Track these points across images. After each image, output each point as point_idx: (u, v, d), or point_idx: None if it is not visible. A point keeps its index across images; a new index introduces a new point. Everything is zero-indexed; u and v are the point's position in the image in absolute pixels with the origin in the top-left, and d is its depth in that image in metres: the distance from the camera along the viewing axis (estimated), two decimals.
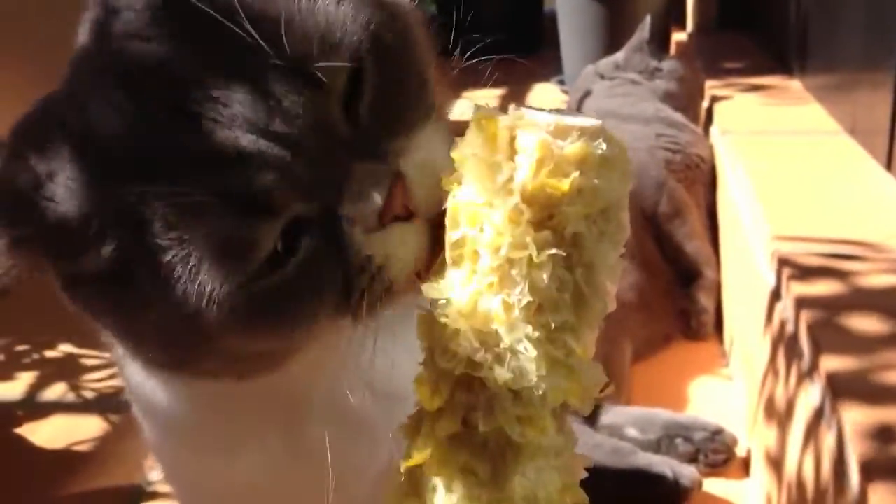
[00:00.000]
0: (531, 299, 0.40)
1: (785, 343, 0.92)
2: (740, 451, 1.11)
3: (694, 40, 2.61)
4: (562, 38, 2.75)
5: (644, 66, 1.70)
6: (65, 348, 1.33)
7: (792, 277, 0.93)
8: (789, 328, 0.90)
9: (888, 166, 1.20)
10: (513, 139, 0.41)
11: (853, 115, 1.41)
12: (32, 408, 1.19)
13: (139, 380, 0.60)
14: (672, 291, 1.41)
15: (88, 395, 1.21)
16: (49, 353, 1.31)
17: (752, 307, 1.12)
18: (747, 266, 1.18)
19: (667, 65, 1.71)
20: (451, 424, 0.41)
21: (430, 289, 0.42)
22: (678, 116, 1.60)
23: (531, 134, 0.41)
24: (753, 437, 1.10)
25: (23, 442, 1.12)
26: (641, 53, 1.73)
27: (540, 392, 0.41)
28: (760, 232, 1.09)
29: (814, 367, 0.80)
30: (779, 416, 0.92)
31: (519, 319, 0.40)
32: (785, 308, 0.93)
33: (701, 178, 1.53)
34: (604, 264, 0.42)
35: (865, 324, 0.83)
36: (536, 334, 0.40)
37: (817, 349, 0.79)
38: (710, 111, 1.69)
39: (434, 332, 0.42)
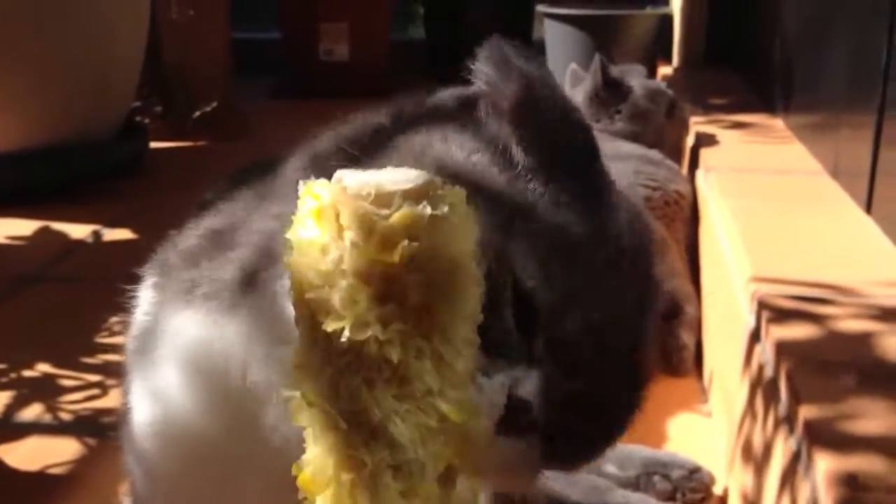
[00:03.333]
0: (390, 374, 0.40)
1: (763, 386, 0.92)
2: (718, 490, 1.12)
3: (680, 74, 2.63)
4: (550, 68, 2.77)
5: (600, 116, 1.70)
6: (43, 368, 1.31)
7: (771, 320, 0.93)
8: (768, 372, 0.91)
9: (868, 209, 1.22)
10: (338, 215, 0.40)
11: (835, 156, 1.43)
12: (7, 428, 1.17)
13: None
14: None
15: (66, 416, 1.20)
16: (27, 373, 1.30)
17: (731, 346, 1.13)
18: (728, 305, 1.19)
19: (625, 108, 1.70)
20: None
21: (295, 376, 0.41)
22: (655, 153, 1.62)
23: (353, 207, 0.40)
24: (731, 478, 1.10)
25: None
26: (596, 102, 1.72)
27: (419, 464, 0.40)
28: (741, 272, 1.10)
29: (791, 413, 0.80)
30: (756, 458, 0.93)
31: (382, 395, 0.40)
32: (764, 351, 0.94)
33: (680, 214, 1.54)
34: (459, 321, 0.41)
35: (844, 370, 0.83)
36: (405, 406, 0.40)
37: (796, 395, 0.80)
38: (694, 148, 1.70)
39: (308, 416, 0.41)
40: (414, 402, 0.40)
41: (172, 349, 0.60)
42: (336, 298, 0.40)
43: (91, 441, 1.14)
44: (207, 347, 0.58)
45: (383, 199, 0.40)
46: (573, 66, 1.90)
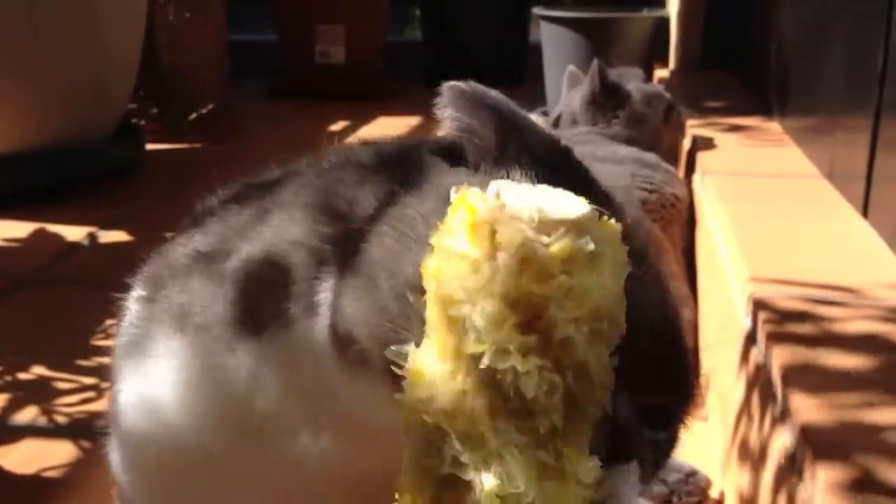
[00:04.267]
0: (517, 405, 0.38)
1: (759, 387, 0.93)
2: (714, 493, 1.12)
3: (677, 77, 2.64)
4: (545, 70, 2.77)
5: (597, 120, 1.70)
6: (38, 370, 1.31)
7: (768, 321, 0.94)
8: (764, 371, 0.91)
9: (864, 213, 1.22)
10: (493, 233, 0.39)
11: (831, 159, 1.43)
12: (2, 431, 1.17)
13: None
14: None
15: (61, 419, 1.20)
16: (21, 376, 1.30)
17: (727, 348, 1.13)
18: (724, 307, 1.19)
19: (623, 113, 1.70)
20: None
21: (414, 384, 0.40)
22: (652, 156, 1.62)
23: (512, 230, 0.38)
24: (727, 479, 1.10)
25: None
26: (594, 107, 1.71)
27: (529, 499, 0.38)
28: (737, 274, 1.10)
29: (787, 413, 0.80)
30: (752, 459, 0.93)
31: (505, 424, 0.38)
32: (760, 352, 0.94)
33: (677, 217, 1.54)
34: (597, 365, 0.39)
35: (839, 370, 0.83)
36: (525, 439, 0.38)
37: (792, 396, 0.80)
38: (691, 152, 1.70)
39: (417, 430, 0.40)
40: (535, 438, 0.38)
41: (166, 371, 0.58)
42: (479, 319, 0.38)
43: (86, 444, 1.14)
44: (203, 375, 0.57)
45: (546, 225, 0.38)
46: (571, 68, 1.90)
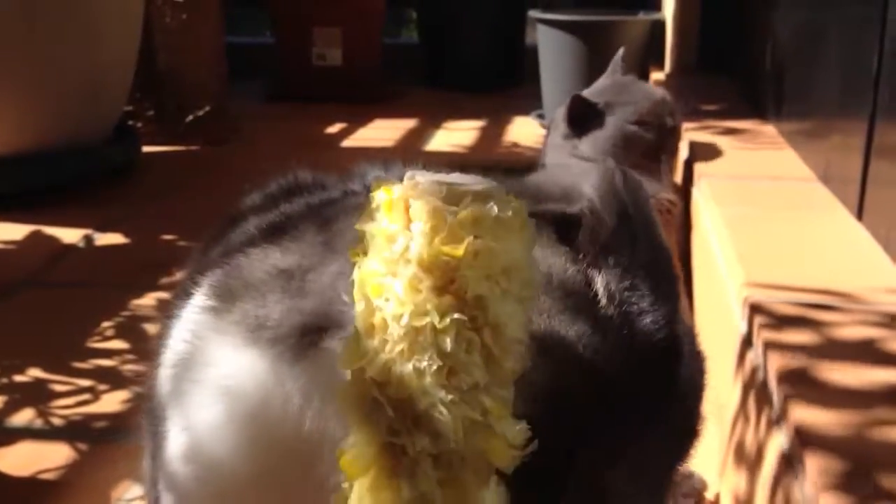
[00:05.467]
0: (440, 363, 0.41)
1: (755, 390, 0.93)
2: (710, 496, 1.12)
3: (672, 81, 2.64)
4: (542, 73, 2.78)
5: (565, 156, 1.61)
6: (34, 373, 1.31)
7: (763, 325, 0.94)
8: (759, 375, 0.91)
9: (859, 216, 1.23)
10: (407, 208, 0.43)
11: (826, 162, 1.44)
12: None
13: None
14: None
15: (57, 421, 1.19)
16: (18, 378, 1.30)
17: (723, 351, 1.13)
18: (719, 310, 1.19)
19: (584, 145, 1.58)
20: (379, 492, 0.42)
21: (346, 359, 0.43)
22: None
23: (423, 202, 0.42)
24: (723, 482, 1.10)
25: None
26: (561, 148, 1.62)
27: (460, 456, 0.42)
28: (733, 278, 1.11)
29: (783, 415, 0.81)
30: (748, 461, 0.93)
31: (431, 384, 0.41)
32: (756, 355, 0.94)
33: (671, 222, 1.55)
34: (511, 322, 0.43)
35: (835, 373, 0.84)
36: (450, 397, 0.41)
37: (787, 399, 0.80)
38: (688, 161, 1.70)
39: (354, 401, 0.43)
40: (459, 395, 0.42)
41: (229, 386, 0.58)
42: (399, 286, 0.42)
43: (83, 446, 1.14)
44: (266, 393, 0.57)
45: (454, 196, 0.43)
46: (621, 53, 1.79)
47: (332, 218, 0.62)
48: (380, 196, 0.44)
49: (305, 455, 0.57)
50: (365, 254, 0.44)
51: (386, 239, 0.43)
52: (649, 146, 1.57)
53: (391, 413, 0.42)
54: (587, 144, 1.59)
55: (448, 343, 0.41)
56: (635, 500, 0.55)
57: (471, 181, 0.44)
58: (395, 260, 0.42)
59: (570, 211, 0.60)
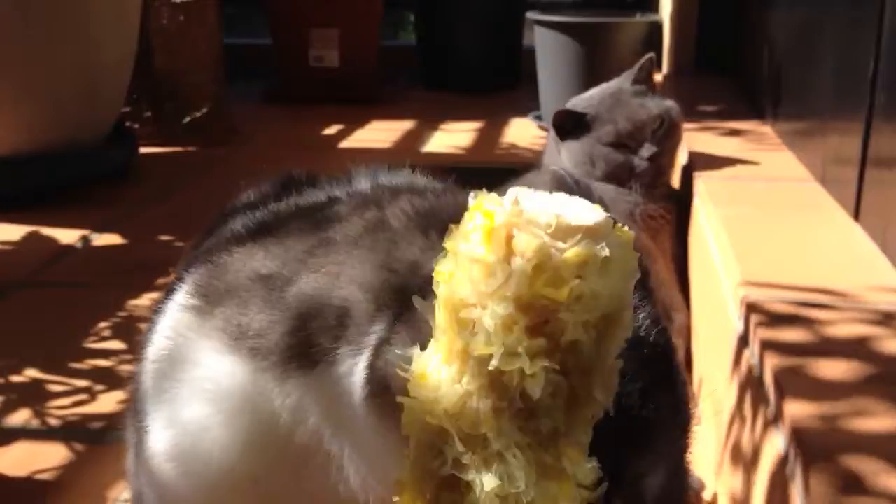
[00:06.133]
0: (522, 406, 0.39)
1: (751, 390, 0.93)
2: (707, 496, 1.12)
3: (670, 82, 2.64)
4: (539, 75, 2.78)
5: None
6: (31, 373, 1.31)
7: (760, 324, 0.94)
8: (755, 375, 0.91)
9: (856, 216, 1.23)
10: (509, 238, 0.39)
11: (823, 163, 1.44)
12: None
13: None
14: None
15: (54, 422, 1.19)
16: (14, 378, 1.30)
17: (719, 351, 1.13)
18: (716, 310, 1.19)
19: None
20: None
21: (418, 385, 0.41)
22: None
23: (529, 235, 0.39)
24: (719, 482, 1.10)
25: None
26: (554, 151, 1.62)
27: (528, 499, 0.39)
28: (730, 277, 1.11)
29: (779, 415, 0.81)
30: (744, 461, 0.93)
31: (508, 425, 0.39)
32: (752, 354, 0.95)
33: (666, 227, 1.54)
34: (601, 368, 0.40)
35: (831, 372, 0.84)
36: (527, 440, 0.39)
37: (784, 399, 0.80)
38: (687, 168, 1.69)
39: (419, 427, 0.40)
40: (535, 438, 0.39)
41: (212, 390, 0.58)
42: (489, 322, 0.39)
43: (79, 446, 1.13)
44: (250, 401, 0.57)
45: (562, 231, 0.39)
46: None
47: (317, 225, 0.60)
48: (478, 219, 0.40)
49: (292, 465, 0.56)
50: (452, 275, 0.40)
51: (482, 269, 0.39)
52: (620, 167, 1.54)
53: (460, 448, 0.39)
54: (565, 152, 1.60)
55: (536, 391, 0.38)
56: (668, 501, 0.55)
57: (580, 210, 0.40)
58: (489, 293, 0.39)
59: None
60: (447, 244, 0.41)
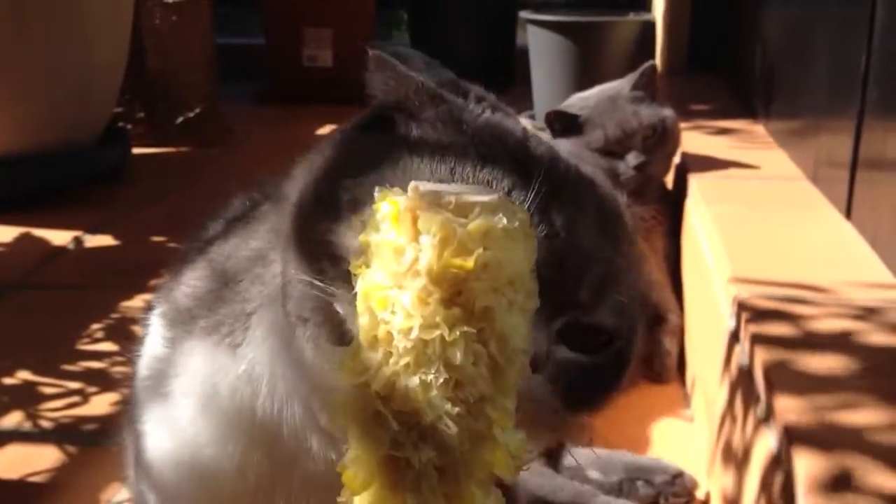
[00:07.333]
0: (447, 376, 0.41)
1: (743, 387, 0.93)
2: (700, 495, 1.12)
3: (663, 81, 2.64)
4: (533, 74, 2.78)
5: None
6: (23, 375, 1.31)
7: (751, 321, 0.94)
8: (747, 373, 0.91)
9: (847, 214, 1.23)
10: (415, 220, 0.42)
11: (815, 161, 1.44)
12: None
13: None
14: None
15: (46, 424, 1.19)
16: (7, 380, 1.29)
17: (712, 349, 1.14)
18: (708, 308, 1.19)
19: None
20: None
21: (347, 372, 0.43)
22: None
23: (432, 214, 0.42)
24: (711, 480, 1.11)
25: None
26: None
27: (465, 467, 0.41)
28: (722, 275, 1.11)
29: (770, 413, 0.81)
30: (736, 460, 0.93)
31: (437, 397, 0.41)
32: (743, 352, 0.95)
33: (658, 228, 1.54)
34: (515, 333, 0.43)
35: (822, 370, 0.84)
36: (456, 409, 0.41)
37: (774, 395, 0.80)
38: (680, 167, 1.70)
39: (353, 415, 0.42)
40: (466, 407, 0.41)
41: (190, 383, 0.60)
42: (407, 298, 0.41)
43: (72, 448, 1.13)
44: (220, 379, 0.59)
45: (462, 208, 0.43)
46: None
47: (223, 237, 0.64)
48: (384, 207, 0.43)
49: (267, 445, 0.58)
50: (368, 266, 0.43)
51: (393, 251, 0.42)
52: (605, 173, 1.53)
53: (395, 426, 0.41)
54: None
55: (458, 355, 0.41)
56: None
57: (474, 192, 0.44)
58: (402, 272, 0.42)
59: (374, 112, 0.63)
60: (360, 238, 0.44)
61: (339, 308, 0.49)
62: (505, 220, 0.42)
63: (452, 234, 0.42)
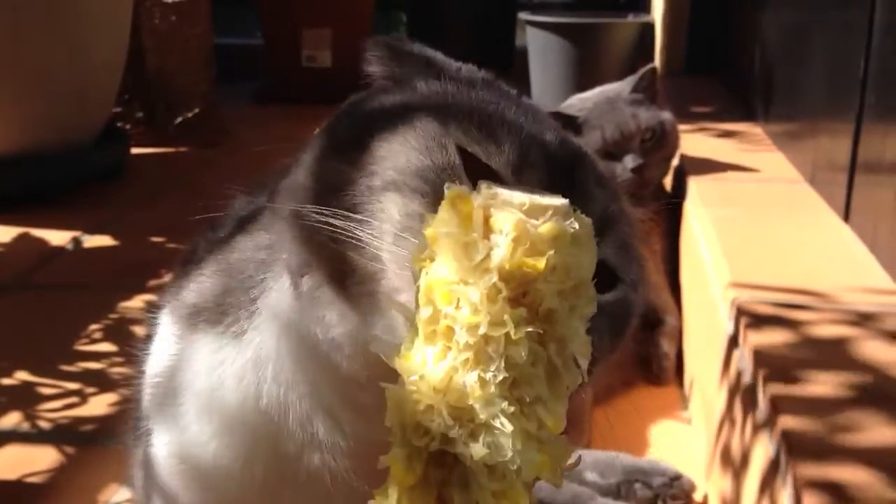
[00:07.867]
0: (507, 375, 0.41)
1: (742, 392, 0.93)
2: (698, 497, 1.12)
3: (662, 83, 2.65)
4: (531, 75, 2.78)
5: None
6: (21, 376, 1.30)
7: (749, 326, 0.94)
8: (746, 378, 0.91)
9: (846, 217, 1.23)
10: (487, 219, 0.43)
11: (813, 164, 1.44)
12: None
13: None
14: (633, 338, 1.42)
15: (44, 425, 1.19)
16: (5, 381, 1.29)
17: (710, 353, 1.14)
18: (707, 312, 1.19)
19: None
20: (426, 501, 0.42)
21: (404, 365, 0.43)
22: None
23: (506, 214, 0.43)
24: (710, 483, 1.11)
25: None
26: None
27: (515, 466, 0.41)
28: (720, 279, 1.11)
29: (770, 420, 0.81)
30: (734, 464, 0.93)
31: (495, 395, 0.41)
32: (742, 357, 0.95)
33: (656, 229, 1.55)
34: (575, 337, 0.43)
35: (821, 375, 0.84)
36: (511, 409, 0.41)
37: (773, 401, 0.80)
38: (679, 169, 1.70)
39: (406, 408, 0.42)
40: (520, 406, 0.41)
41: (197, 378, 0.60)
42: (475, 294, 0.42)
43: (70, 449, 1.13)
44: (226, 369, 0.59)
45: (535, 210, 0.43)
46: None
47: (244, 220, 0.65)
48: (456, 205, 0.43)
49: (272, 439, 0.58)
50: (432, 260, 0.43)
51: (463, 247, 0.42)
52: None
53: (449, 421, 0.41)
54: None
55: (521, 354, 0.41)
56: None
57: (546, 196, 0.44)
58: (472, 269, 0.42)
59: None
60: (427, 231, 0.44)
61: (341, 247, 0.49)
62: (575, 225, 0.43)
63: (526, 234, 0.42)
